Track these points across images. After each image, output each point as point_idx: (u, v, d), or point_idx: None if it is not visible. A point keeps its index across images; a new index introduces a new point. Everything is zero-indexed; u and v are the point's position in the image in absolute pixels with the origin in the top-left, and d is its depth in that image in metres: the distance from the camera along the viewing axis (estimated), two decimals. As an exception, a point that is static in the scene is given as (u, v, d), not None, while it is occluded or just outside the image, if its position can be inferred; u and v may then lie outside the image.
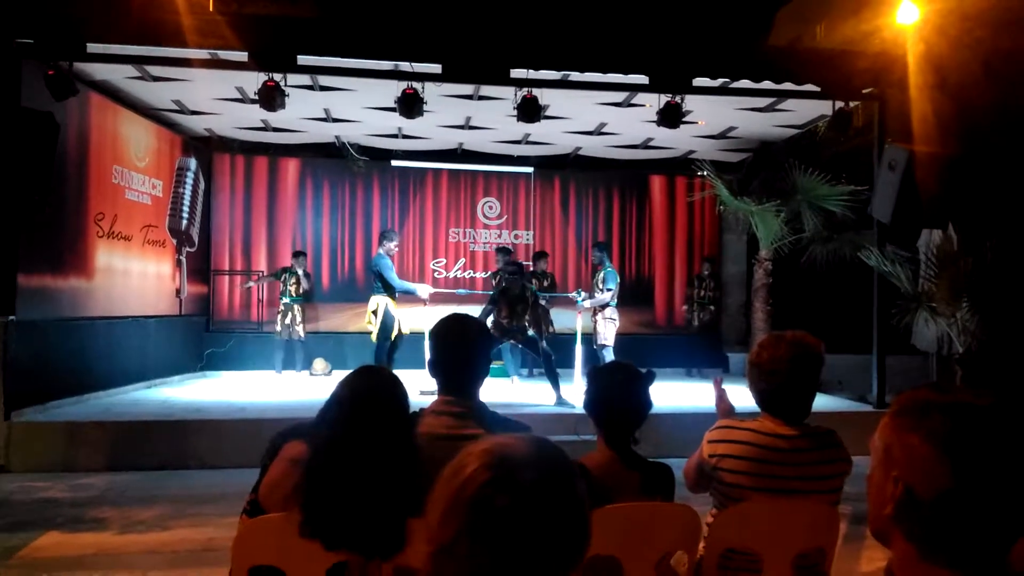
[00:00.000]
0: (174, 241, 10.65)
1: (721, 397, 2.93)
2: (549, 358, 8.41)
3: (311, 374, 10.88)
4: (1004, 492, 1.06)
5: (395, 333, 8.85)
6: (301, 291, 10.91)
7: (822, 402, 8.72)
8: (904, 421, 1.13)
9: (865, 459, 1.23)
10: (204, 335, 11.52)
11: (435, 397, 2.54)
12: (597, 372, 2.68)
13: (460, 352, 2.50)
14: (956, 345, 7.88)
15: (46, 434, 6.95)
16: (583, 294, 9.26)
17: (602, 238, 12.48)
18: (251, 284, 11.64)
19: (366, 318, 9.06)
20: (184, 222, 10.86)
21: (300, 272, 10.94)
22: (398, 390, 2.39)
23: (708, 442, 2.50)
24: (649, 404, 2.59)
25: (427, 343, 2.63)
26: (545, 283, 10.96)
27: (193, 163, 11.09)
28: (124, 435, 7.04)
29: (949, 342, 8.17)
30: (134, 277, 9.55)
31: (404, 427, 2.31)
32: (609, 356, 9.14)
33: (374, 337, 8.79)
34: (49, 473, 6.60)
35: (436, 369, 2.52)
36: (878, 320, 8.45)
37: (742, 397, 2.80)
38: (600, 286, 9.33)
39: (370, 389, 2.33)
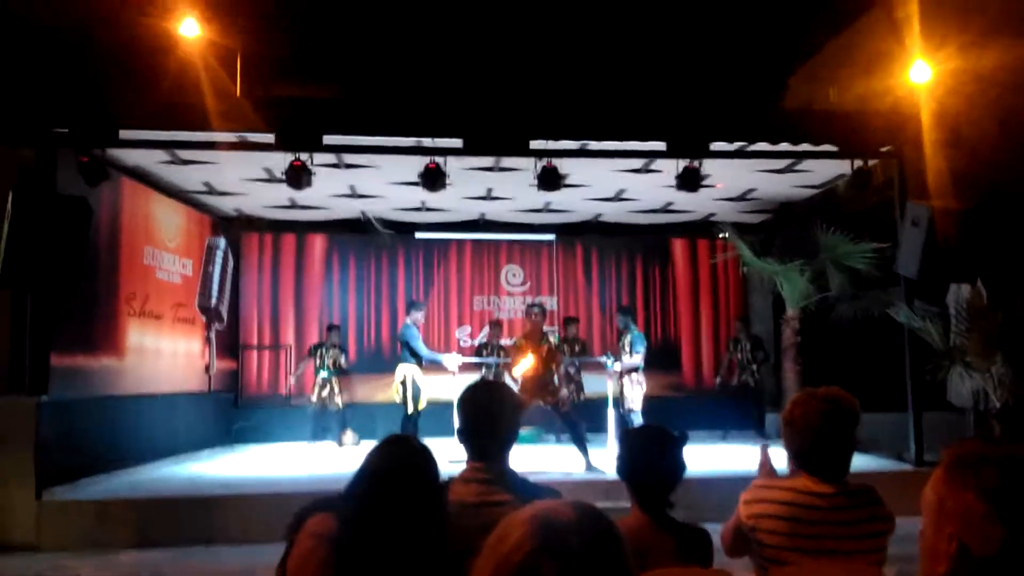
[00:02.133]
0: (204, 318, 10.79)
1: (765, 462, 2.80)
2: (576, 424, 8.33)
3: (339, 445, 10.85)
4: None
5: (421, 404, 8.88)
6: (339, 365, 10.97)
7: (859, 462, 8.48)
8: (957, 476, 1.11)
9: (906, 520, 1.20)
10: (232, 410, 11.56)
11: (463, 466, 2.53)
12: (629, 435, 2.66)
13: (488, 418, 2.49)
14: (992, 400, 7.73)
15: (76, 512, 6.96)
16: (612, 358, 9.21)
17: (626, 302, 12.49)
18: (292, 382, 11.65)
19: (393, 388, 9.10)
20: (213, 300, 11.02)
21: (335, 346, 11.03)
22: (428, 461, 2.38)
23: (744, 503, 2.46)
24: (683, 466, 2.56)
25: (455, 411, 2.63)
26: (576, 348, 10.95)
27: (222, 242, 11.31)
28: (153, 512, 7.03)
29: (985, 397, 8.02)
30: (164, 355, 9.66)
31: (435, 498, 2.30)
32: (637, 420, 9.04)
33: (410, 409, 8.81)
34: (79, 551, 6.57)
35: (465, 436, 2.51)
36: (912, 377, 8.31)
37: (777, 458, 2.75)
38: (627, 349, 9.27)
39: (399, 460, 2.32)
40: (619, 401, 9.26)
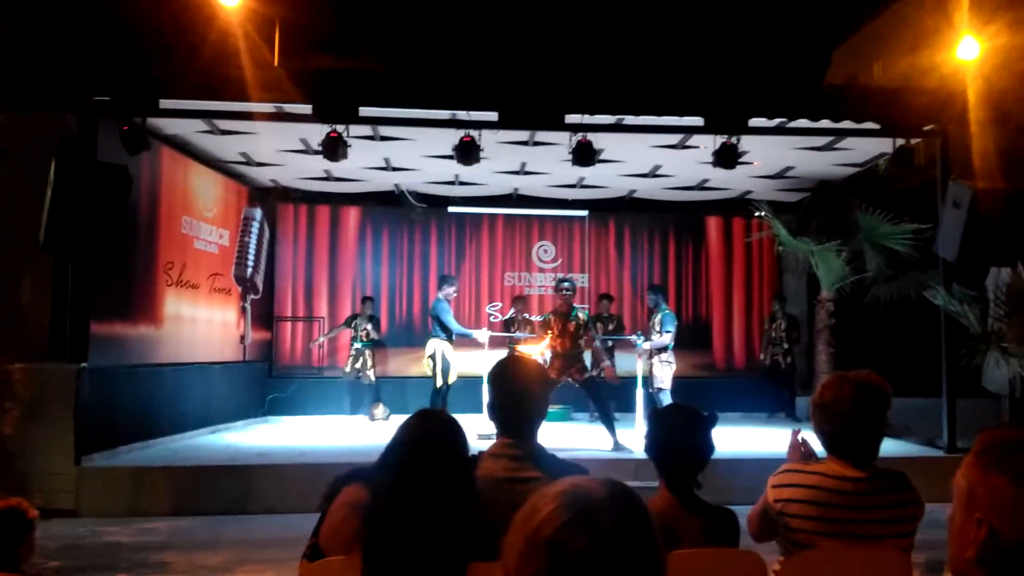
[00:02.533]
0: (239, 289, 10.92)
1: (795, 446, 2.71)
2: (605, 402, 8.34)
3: (371, 419, 10.97)
4: None
5: (451, 378, 8.96)
6: (371, 337, 11.07)
7: (890, 447, 8.44)
8: (989, 461, 1.10)
9: (937, 506, 1.19)
10: (267, 380, 11.73)
11: (493, 441, 2.54)
12: (659, 414, 2.66)
13: (518, 394, 2.50)
14: (1031, 387, 7.60)
15: (114, 479, 7.13)
16: (641, 336, 9.18)
17: (658, 280, 12.42)
18: (320, 341, 11.79)
19: (424, 362, 9.19)
20: (249, 270, 11.15)
21: (369, 318, 11.14)
22: (458, 434, 2.40)
23: (772, 487, 2.44)
24: (712, 447, 2.55)
25: (485, 386, 2.64)
26: (611, 326, 10.95)
27: (258, 213, 11.41)
28: (189, 480, 7.18)
29: (1022, 384, 7.88)
30: (200, 324, 9.81)
31: (464, 471, 2.32)
32: (666, 400, 8.99)
33: (439, 383, 8.90)
34: (117, 517, 6.74)
35: (494, 412, 2.52)
36: (947, 362, 8.19)
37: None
38: (658, 328, 9.22)
39: (430, 433, 2.35)
40: (648, 380, 9.23)
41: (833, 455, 2.40)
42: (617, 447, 8.00)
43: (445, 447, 2.29)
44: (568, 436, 9.10)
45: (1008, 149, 8.87)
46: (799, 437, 2.69)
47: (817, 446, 2.59)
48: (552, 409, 9.67)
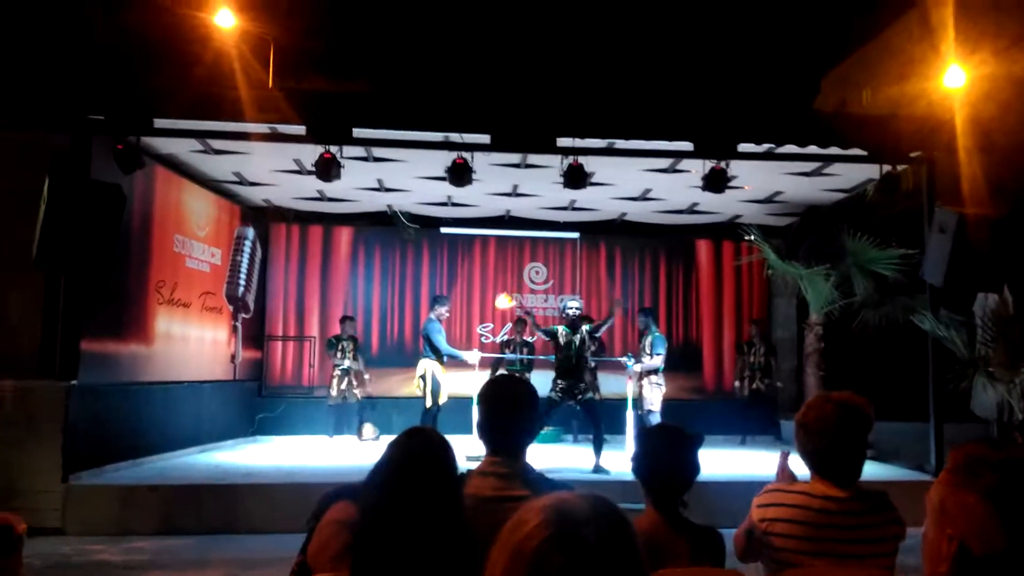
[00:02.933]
0: (231, 307, 10.93)
1: (783, 468, 2.78)
2: (599, 422, 8.36)
3: (360, 439, 10.94)
4: None
5: (442, 399, 8.97)
6: (356, 356, 11.04)
7: (879, 471, 8.49)
8: (959, 478, 1.13)
9: (922, 530, 1.22)
10: (256, 400, 11.70)
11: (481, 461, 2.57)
12: (646, 435, 2.69)
13: (507, 413, 2.53)
14: (1016, 412, 7.65)
15: (102, 497, 7.10)
16: (632, 358, 9.22)
17: (648, 302, 12.50)
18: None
19: (415, 382, 9.19)
20: (241, 289, 11.16)
21: (351, 338, 11.09)
22: (447, 452, 2.42)
23: (757, 507, 2.48)
24: (697, 467, 2.58)
25: (475, 406, 2.67)
26: (592, 348, 10.96)
27: (251, 232, 11.44)
28: (177, 499, 7.15)
29: (1009, 409, 7.93)
30: (191, 343, 9.80)
31: (452, 489, 2.34)
32: (656, 421, 9.03)
33: (428, 403, 8.91)
34: (103, 536, 6.70)
35: (483, 430, 2.55)
36: (934, 386, 8.24)
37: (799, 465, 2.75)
38: (648, 351, 9.27)
39: (419, 451, 2.37)
40: (638, 402, 9.28)
41: (817, 475, 2.44)
42: (597, 469, 8.01)
43: (433, 465, 2.30)
44: (556, 458, 9.09)
45: (994, 176, 8.97)
46: (786, 459, 2.73)
47: (799, 469, 2.64)
48: (542, 431, 9.77)
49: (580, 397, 8.36)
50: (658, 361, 9.14)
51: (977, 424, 9.31)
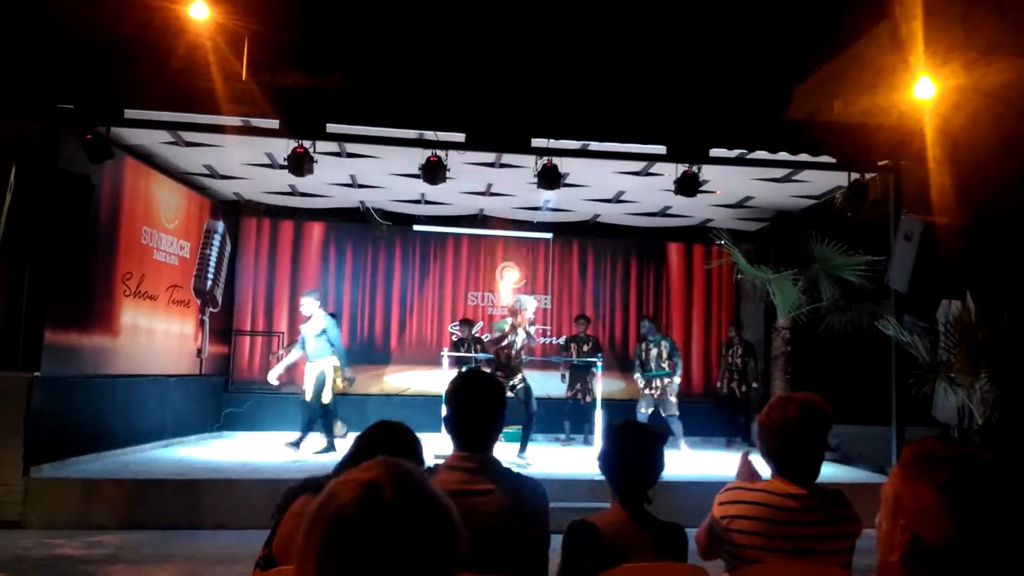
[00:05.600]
0: (198, 301, 10.82)
1: (745, 465, 2.79)
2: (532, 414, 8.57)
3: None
4: (1007, 544, 1.09)
5: (326, 397, 9.10)
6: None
7: (842, 472, 8.61)
8: (912, 471, 1.16)
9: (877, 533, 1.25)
10: (223, 395, 11.60)
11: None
12: (612, 432, 2.71)
13: (474, 408, 2.55)
14: (977, 417, 7.81)
15: (63, 490, 6.99)
16: (668, 373, 9.99)
17: (619, 304, 12.68)
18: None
19: (337, 380, 9.23)
20: (209, 283, 11.05)
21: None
22: (414, 446, 2.44)
23: (719, 504, 2.52)
24: (662, 464, 2.62)
25: (443, 402, 2.68)
26: (586, 347, 11.08)
27: (221, 226, 11.34)
28: (140, 493, 7.07)
29: (970, 414, 8.09)
30: (158, 336, 9.69)
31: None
32: (677, 424, 9.70)
33: (308, 396, 9.04)
34: (65, 530, 6.61)
35: (450, 425, 2.57)
36: (897, 390, 8.39)
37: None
38: (662, 358, 10.01)
39: (385, 444, 2.39)
40: (662, 407, 9.92)
41: (777, 473, 2.49)
42: (520, 457, 8.31)
43: (399, 457, 2.31)
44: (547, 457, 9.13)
45: (961, 186, 9.15)
46: (747, 458, 2.77)
47: (761, 468, 2.68)
48: (507, 430, 9.83)
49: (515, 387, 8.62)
50: (679, 369, 10.11)
51: (938, 428, 9.49)
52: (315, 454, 8.89)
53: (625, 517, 2.55)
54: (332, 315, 9.56)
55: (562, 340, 12.01)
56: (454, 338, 11.91)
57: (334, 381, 9.18)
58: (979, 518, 1.10)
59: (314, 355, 9.15)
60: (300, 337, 9.39)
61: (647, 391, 10.08)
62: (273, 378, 9.25)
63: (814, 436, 2.43)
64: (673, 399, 9.89)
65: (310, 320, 9.23)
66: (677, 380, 9.96)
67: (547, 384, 11.29)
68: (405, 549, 1.01)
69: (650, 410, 9.92)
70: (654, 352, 10.06)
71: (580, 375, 11.07)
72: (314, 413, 9.08)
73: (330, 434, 9.18)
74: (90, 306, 8.31)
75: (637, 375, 10.31)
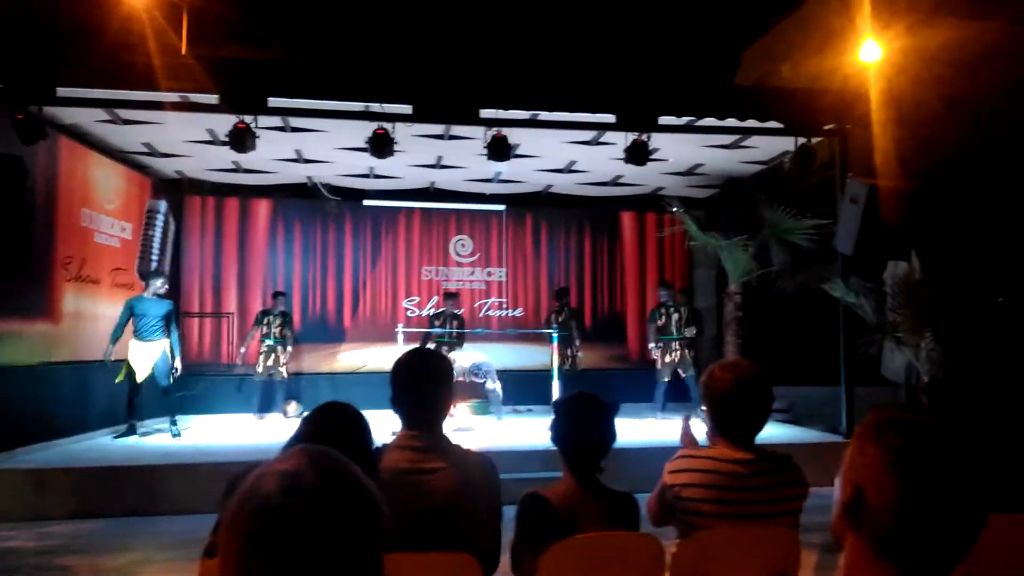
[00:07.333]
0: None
1: (686, 433, 2.88)
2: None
3: (285, 417, 10.76)
4: (943, 509, 1.14)
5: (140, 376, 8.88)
6: (283, 334, 10.81)
7: (793, 433, 8.78)
8: (869, 432, 1.22)
9: (833, 489, 1.30)
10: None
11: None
12: (563, 403, 2.70)
13: (421, 386, 2.52)
14: (923, 375, 8.00)
15: (12, 481, 6.81)
16: (685, 331, 10.39)
17: (574, 274, 12.79)
18: (243, 350, 11.07)
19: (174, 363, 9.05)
20: (154, 264, 10.79)
21: (282, 315, 10.86)
22: (362, 426, 2.40)
23: (669, 472, 2.53)
24: (614, 434, 2.61)
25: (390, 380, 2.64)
26: (562, 318, 11.25)
27: (163, 205, 11.06)
28: (91, 481, 6.91)
29: (916, 372, 8.29)
30: (103, 321, 9.44)
31: (367, 462, 2.31)
32: (694, 384, 10.04)
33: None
34: (15, 522, 6.45)
35: (398, 404, 2.53)
36: (845, 351, 8.55)
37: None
38: (684, 323, 10.38)
39: (333, 425, 2.35)
40: (682, 367, 10.32)
41: (721, 438, 2.50)
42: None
43: (346, 439, 2.28)
44: (484, 431, 9.15)
45: (906, 149, 9.28)
46: (688, 422, 2.81)
47: (699, 434, 2.72)
48: (471, 403, 9.89)
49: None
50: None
51: (886, 387, 9.73)
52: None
53: (576, 488, 2.55)
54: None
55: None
56: (432, 311, 11.83)
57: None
58: (920, 482, 1.14)
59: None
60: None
61: (667, 357, 10.35)
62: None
63: (754, 399, 2.46)
64: (690, 359, 10.33)
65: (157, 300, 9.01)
66: (687, 333, 10.44)
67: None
68: (329, 532, 1.01)
69: (669, 379, 10.28)
70: (675, 316, 10.38)
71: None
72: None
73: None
74: (30, 292, 8.06)
75: (651, 345, 10.63)
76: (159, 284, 9.05)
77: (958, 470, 1.14)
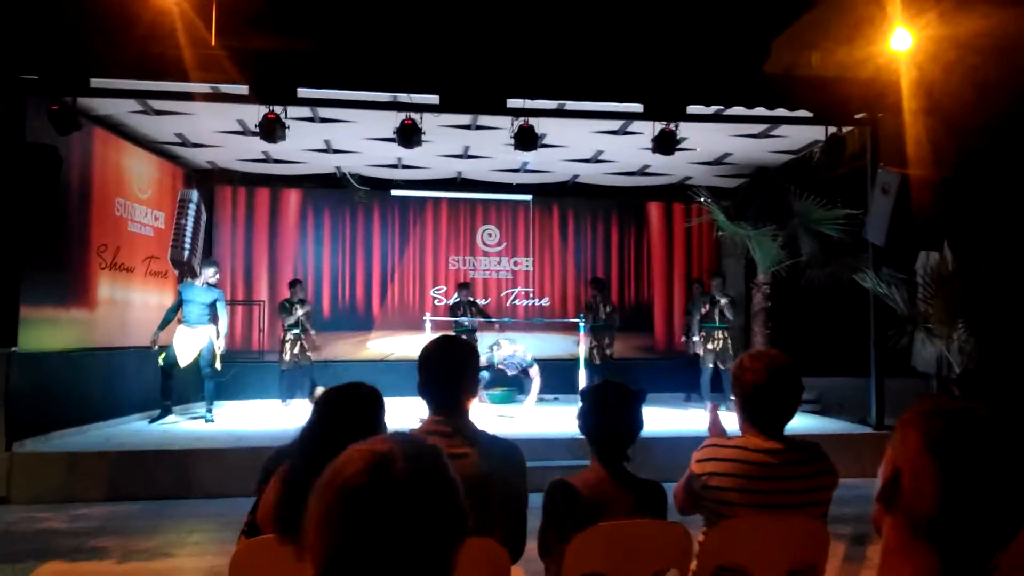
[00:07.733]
0: (176, 272, 10.71)
1: (715, 422, 2.89)
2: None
3: (311, 403, 10.83)
4: (984, 495, 1.14)
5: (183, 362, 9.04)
6: (300, 322, 10.87)
7: (822, 424, 8.72)
8: (914, 419, 1.23)
9: (862, 480, 1.31)
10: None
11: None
12: (591, 391, 2.72)
13: (447, 372, 2.54)
14: (955, 366, 7.90)
15: (47, 465, 6.97)
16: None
17: (601, 264, 12.72)
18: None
19: (218, 351, 9.19)
20: (186, 253, 10.93)
21: (301, 301, 10.94)
22: (377, 409, 2.45)
23: (697, 461, 2.53)
24: (641, 422, 2.62)
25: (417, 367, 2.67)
26: (608, 309, 11.24)
27: (195, 195, 11.19)
28: (125, 465, 7.05)
29: (948, 363, 8.19)
30: (136, 308, 9.61)
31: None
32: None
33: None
34: (50, 504, 6.59)
35: (425, 390, 2.56)
36: (876, 342, 8.47)
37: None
38: (727, 312, 10.26)
39: (345, 405, 2.40)
40: (722, 357, 10.20)
41: (750, 426, 2.50)
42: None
43: (359, 421, 2.32)
44: (511, 418, 9.19)
45: (938, 138, 9.14)
46: (716, 411, 2.82)
47: (728, 424, 2.72)
48: (496, 391, 9.96)
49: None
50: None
51: (917, 379, 9.62)
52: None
53: (604, 476, 2.56)
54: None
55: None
56: (450, 302, 11.88)
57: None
58: (959, 468, 1.15)
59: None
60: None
61: (709, 345, 10.31)
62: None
63: (786, 389, 2.45)
64: (731, 349, 10.24)
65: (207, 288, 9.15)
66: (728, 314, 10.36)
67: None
68: (409, 526, 1.03)
69: (712, 365, 10.28)
70: (723, 301, 10.29)
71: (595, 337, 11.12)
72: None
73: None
74: (66, 280, 8.22)
75: (694, 336, 10.74)
76: (211, 273, 9.19)
77: (998, 459, 1.15)
